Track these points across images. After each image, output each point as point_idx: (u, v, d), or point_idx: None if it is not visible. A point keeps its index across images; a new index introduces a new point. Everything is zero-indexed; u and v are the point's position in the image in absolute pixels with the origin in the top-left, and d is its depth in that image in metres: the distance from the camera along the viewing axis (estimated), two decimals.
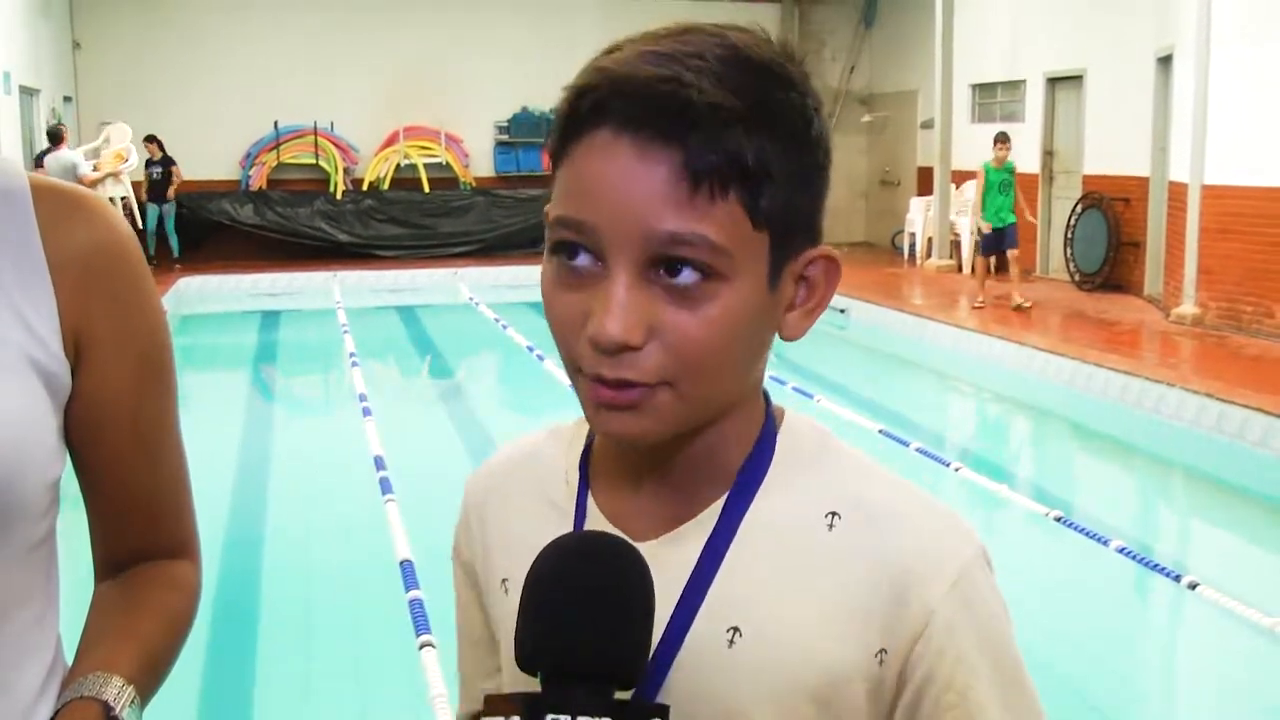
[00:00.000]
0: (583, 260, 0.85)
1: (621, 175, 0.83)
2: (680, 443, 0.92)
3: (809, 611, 0.90)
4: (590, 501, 0.97)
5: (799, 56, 0.90)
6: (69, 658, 1.14)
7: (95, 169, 14.56)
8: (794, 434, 0.96)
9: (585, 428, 1.01)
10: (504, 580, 0.99)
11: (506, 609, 0.98)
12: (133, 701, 1.05)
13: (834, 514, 0.92)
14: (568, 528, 0.96)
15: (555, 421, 1.07)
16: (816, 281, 0.91)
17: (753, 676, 0.89)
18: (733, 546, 0.91)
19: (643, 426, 0.87)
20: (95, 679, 1.05)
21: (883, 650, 0.89)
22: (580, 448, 1.00)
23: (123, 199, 14.97)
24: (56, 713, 1.04)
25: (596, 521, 0.95)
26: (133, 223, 14.70)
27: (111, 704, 1.03)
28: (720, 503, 0.93)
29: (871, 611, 0.89)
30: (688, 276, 0.83)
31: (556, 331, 0.88)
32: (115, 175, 15.06)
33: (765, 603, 0.90)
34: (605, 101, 0.84)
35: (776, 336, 0.93)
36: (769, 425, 0.95)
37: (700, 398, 0.87)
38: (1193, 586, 5.12)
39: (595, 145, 0.84)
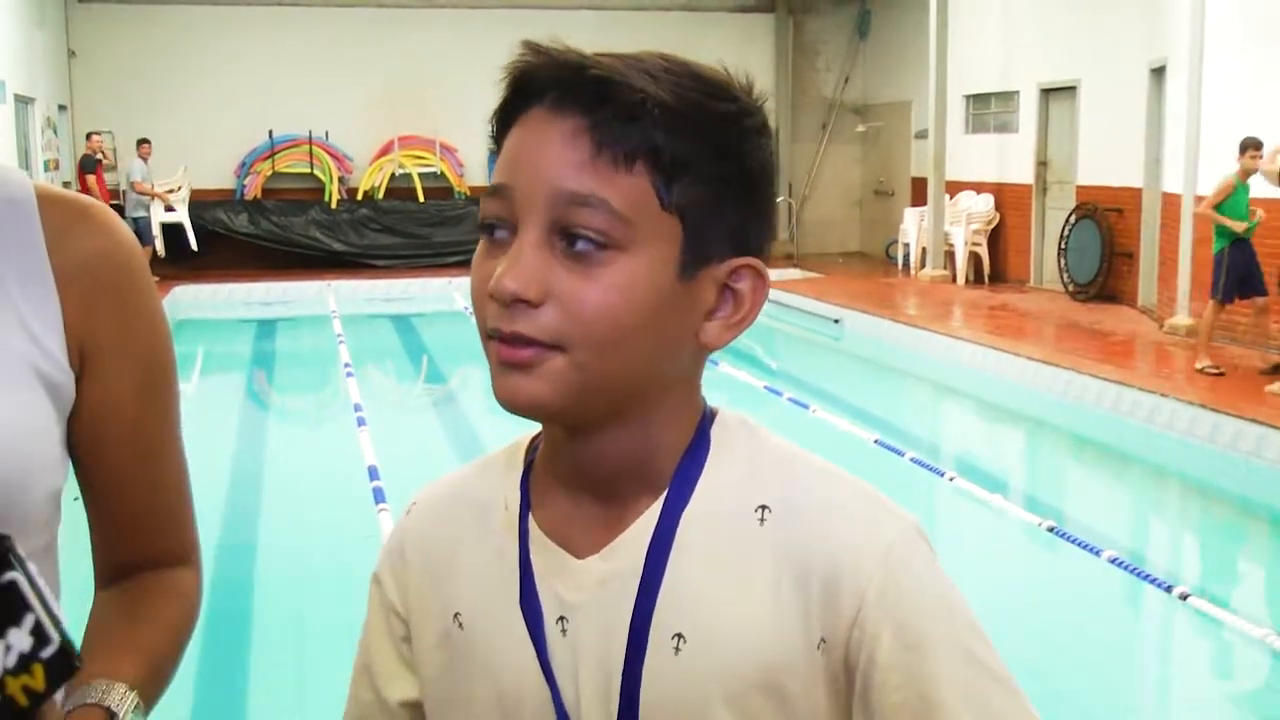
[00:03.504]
0: (502, 234, 0.90)
1: (535, 139, 0.88)
2: (608, 449, 0.93)
3: (747, 609, 0.90)
4: (532, 523, 0.97)
5: (756, 91, 0.93)
6: None
7: (151, 187, 15.71)
8: (724, 432, 0.96)
9: (521, 452, 1.02)
10: (456, 614, 0.99)
11: (459, 642, 0.98)
12: (136, 707, 1.05)
13: (764, 508, 0.92)
14: (512, 552, 0.96)
15: (480, 456, 1.07)
16: (743, 295, 0.92)
17: (702, 680, 0.90)
18: (672, 552, 0.92)
19: (538, 390, 0.87)
20: (98, 686, 1.05)
21: (823, 640, 0.89)
22: (518, 472, 1.00)
23: (175, 223, 16.20)
24: None
25: (539, 541, 0.96)
26: (186, 244, 16.22)
27: (115, 710, 1.04)
28: (656, 509, 0.93)
29: (808, 602, 0.89)
30: (588, 246, 0.86)
31: (473, 298, 0.91)
32: (164, 199, 15.96)
33: (705, 605, 0.90)
34: (533, 74, 0.89)
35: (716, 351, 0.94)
36: (703, 427, 0.96)
37: (596, 372, 0.87)
38: (1184, 597, 5.13)
39: (523, 123, 0.90)
